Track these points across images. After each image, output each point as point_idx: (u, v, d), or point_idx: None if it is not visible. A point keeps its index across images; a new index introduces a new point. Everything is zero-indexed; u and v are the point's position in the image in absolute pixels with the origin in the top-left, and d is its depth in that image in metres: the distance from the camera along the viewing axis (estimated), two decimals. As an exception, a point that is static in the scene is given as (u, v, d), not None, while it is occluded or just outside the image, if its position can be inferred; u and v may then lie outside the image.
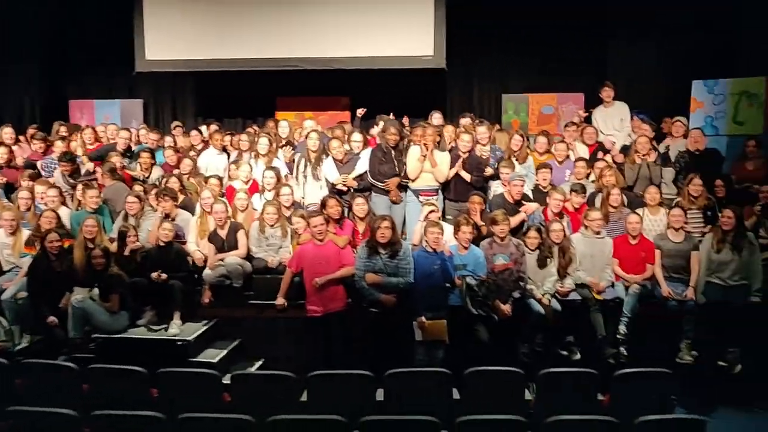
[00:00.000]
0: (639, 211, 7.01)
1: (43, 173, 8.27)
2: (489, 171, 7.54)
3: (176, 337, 6.39)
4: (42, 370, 5.38)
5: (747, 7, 9.28)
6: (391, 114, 8.85)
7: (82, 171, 8.21)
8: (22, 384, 5.27)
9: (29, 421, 4.49)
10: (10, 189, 8.01)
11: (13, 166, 8.36)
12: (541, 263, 6.59)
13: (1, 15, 10.28)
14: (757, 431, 5.97)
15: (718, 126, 8.81)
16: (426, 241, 6.32)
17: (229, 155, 8.59)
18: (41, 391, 5.13)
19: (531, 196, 7.29)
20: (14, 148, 8.69)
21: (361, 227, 6.93)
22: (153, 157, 8.34)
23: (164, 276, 6.54)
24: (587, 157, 7.99)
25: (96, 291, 6.44)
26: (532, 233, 6.64)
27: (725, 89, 8.80)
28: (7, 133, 8.82)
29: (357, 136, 7.72)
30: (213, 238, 6.98)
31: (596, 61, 10.70)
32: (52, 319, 6.47)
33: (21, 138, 9.15)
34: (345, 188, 7.51)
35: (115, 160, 7.98)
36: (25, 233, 7.04)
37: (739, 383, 6.31)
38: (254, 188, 7.79)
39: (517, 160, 7.69)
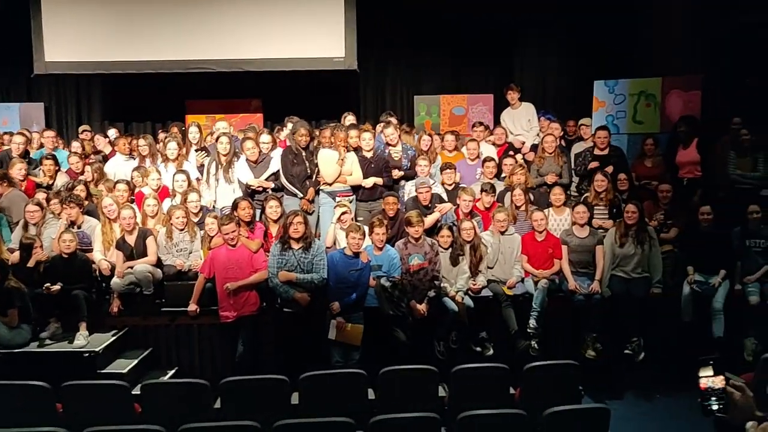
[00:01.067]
0: (545, 211, 7.22)
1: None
2: (397, 173, 7.57)
3: (82, 349, 6.18)
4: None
5: (644, 10, 9.70)
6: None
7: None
8: None
9: None
10: None
11: None
12: (454, 261, 6.71)
13: None
14: (658, 416, 6.22)
15: (618, 125, 9.13)
16: (347, 244, 6.32)
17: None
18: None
19: (445, 196, 7.38)
20: None
21: (273, 229, 6.85)
22: (56, 163, 8.02)
23: (55, 287, 6.28)
24: (495, 157, 8.15)
25: (-7, 305, 6.15)
26: (445, 232, 6.75)
27: (625, 89, 9.13)
28: None
29: (265, 137, 7.67)
30: (121, 245, 6.76)
31: (504, 63, 10.99)
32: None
33: None
34: (260, 189, 7.43)
35: (20, 166, 7.64)
36: None
37: (642, 371, 6.59)
38: (164, 193, 7.59)
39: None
